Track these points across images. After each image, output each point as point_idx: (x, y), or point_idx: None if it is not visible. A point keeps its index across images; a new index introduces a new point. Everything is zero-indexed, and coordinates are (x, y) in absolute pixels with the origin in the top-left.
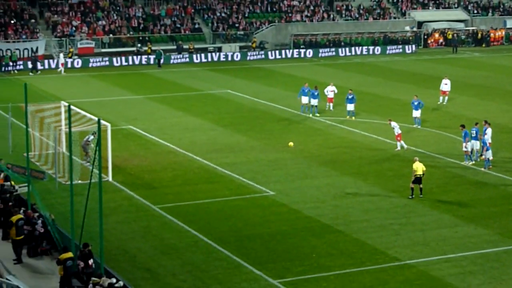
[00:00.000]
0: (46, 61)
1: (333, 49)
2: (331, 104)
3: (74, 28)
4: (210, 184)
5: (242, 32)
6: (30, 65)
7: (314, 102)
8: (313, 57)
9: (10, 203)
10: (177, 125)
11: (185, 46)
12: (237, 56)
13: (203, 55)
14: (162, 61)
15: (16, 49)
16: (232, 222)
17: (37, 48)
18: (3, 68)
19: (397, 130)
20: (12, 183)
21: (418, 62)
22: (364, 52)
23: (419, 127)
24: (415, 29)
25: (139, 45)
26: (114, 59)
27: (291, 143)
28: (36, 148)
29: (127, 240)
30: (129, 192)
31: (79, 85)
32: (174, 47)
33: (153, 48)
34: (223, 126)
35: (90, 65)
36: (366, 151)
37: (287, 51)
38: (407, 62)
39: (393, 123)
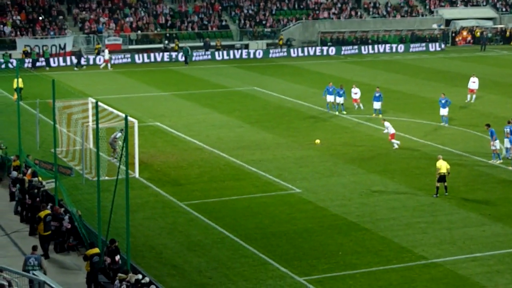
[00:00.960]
0: (72, 58)
1: (360, 47)
2: (358, 104)
3: (102, 25)
4: (236, 181)
5: (269, 29)
6: (74, 60)
7: (340, 100)
8: (340, 54)
9: (38, 199)
10: (204, 122)
11: (212, 43)
12: (264, 53)
13: (230, 52)
14: (189, 58)
15: (44, 45)
16: (259, 219)
17: (65, 45)
18: (30, 64)
19: (391, 130)
20: (40, 179)
21: (445, 60)
22: (391, 50)
23: (446, 125)
24: (442, 26)
25: (166, 41)
26: (142, 56)
27: (317, 141)
28: (64, 144)
29: (154, 237)
30: (156, 188)
31: (106, 82)
32: (201, 44)
33: (180, 45)
34: (249, 123)
35: (118, 61)
36: (393, 149)
37: (314, 48)
38: (435, 60)
39: (386, 123)
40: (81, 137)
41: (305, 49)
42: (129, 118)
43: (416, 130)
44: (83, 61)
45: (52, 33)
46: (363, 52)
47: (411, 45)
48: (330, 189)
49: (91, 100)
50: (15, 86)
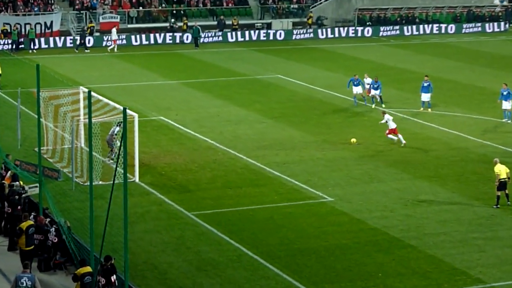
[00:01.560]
0: (61, 39)
1: (405, 27)
2: (370, 97)
3: (96, 0)
4: (256, 188)
5: (296, 6)
6: (78, 41)
7: (376, 92)
8: (380, 36)
9: (19, 207)
10: (217, 116)
11: (228, 22)
12: (290, 35)
13: (249, 32)
14: (200, 39)
15: (27, 23)
16: (282, 233)
17: (51, 23)
18: (10, 46)
19: (391, 124)
20: (21, 183)
21: (508, 43)
22: (443, 31)
23: (509, 121)
24: (505, 3)
25: (172, 20)
26: (143, 37)
27: (353, 140)
28: (50, 142)
29: (157, 253)
30: (160, 195)
31: (101, 68)
32: (215, 22)
33: (189, 23)
34: (272, 118)
35: (144, 42)
36: (444, 150)
37: (350, 28)
38: (496, 42)
39: (387, 116)
40: (71, 133)
41: (339, 29)
42: (128, 111)
43: (472, 127)
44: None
45: (36, 9)
46: (409, 33)
47: (467, 25)
48: (368, 198)
49: (83, 89)
50: None
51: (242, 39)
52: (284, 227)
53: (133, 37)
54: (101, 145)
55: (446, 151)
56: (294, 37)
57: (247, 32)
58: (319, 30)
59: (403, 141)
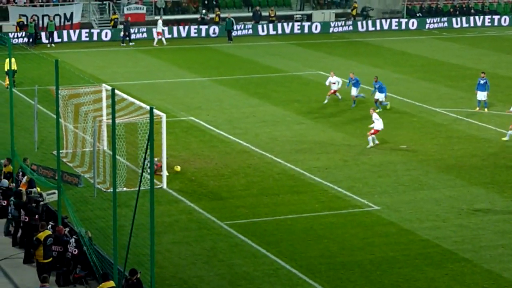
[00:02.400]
0: (82, 31)
1: (459, 18)
2: (335, 96)
3: None
4: (295, 195)
5: None
6: (121, 34)
7: (380, 96)
8: (432, 28)
9: (37, 216)
10: (252, 117)
11: (264, 13)
12: (332, 27)
13: (287, 24)
14: (233, 32)
15: (45, 15)
16: (324, 245)
17: (71, 15)
18: (27, 40)
19: (378, 125)
20: (38, 189)
21: None
22: (501, 22)
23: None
24: None
25: (203, 11)
26: (172, 30)
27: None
28: (70, 145)
29: (186, 266)
30: (189, 203)
31: (125, 63)
32: (250, 14)
33: (222, 15)
34: (312, 119)
35: (140, 36)
36: (502, 154)
37: (398, 20)
38: None
39: (375, 115)
40: (93, 135)
41: (387, 21)
42: (155, 111)
43: None
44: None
45: None
46: (463, 25)
47: None
48: (418, 207)
49: (106, 87)
50: (6, 68)
51: (280, 32)
52: (325, 238)
53: (164, 29)
54: (125, 148)
55: (505, 155)
56: (336, 29)
57: (285, 24)
58: (365, 22)
59: (371, 144)
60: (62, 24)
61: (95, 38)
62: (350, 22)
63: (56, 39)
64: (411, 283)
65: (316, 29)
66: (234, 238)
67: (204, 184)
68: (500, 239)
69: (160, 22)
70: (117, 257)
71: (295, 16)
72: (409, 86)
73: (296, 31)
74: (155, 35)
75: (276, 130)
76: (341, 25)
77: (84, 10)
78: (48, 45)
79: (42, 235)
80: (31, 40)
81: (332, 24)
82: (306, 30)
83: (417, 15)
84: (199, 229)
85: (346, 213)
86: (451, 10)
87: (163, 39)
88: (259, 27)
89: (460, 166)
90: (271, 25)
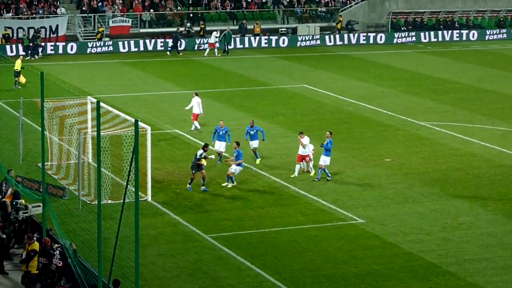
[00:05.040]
0: (67, 44)
1: (444, 32)
2: (196, 123)
3: (105, 2)
4: (279, 208)
5: (324, 9)
6: (170, 44)
7: (254, 144)
8: (417, 42)
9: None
10: (237, 130)
11: (250, 27)
12: (317, 40)
13: (273, 38)
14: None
15: (30, 27)
16: (308, 258)
17: (57, 27)
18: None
19: (306, 150)
20: (23, 201)
21: None
22: (485, 37)
23: None
24: None
25: (188, 24)
26: (156, 42)
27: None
28: (54, 157)
29: (171, 279)
30: (174, 216)
31: (111, 76)
32: (235, 27)
33: (220, 28)
34: (297, 132)
35: (125, 49)
36: (486, 168)
37: (383, 34)
38: None
39: (305, 139)
40: (78, 148)
41: (371, 35)
42: (140, 124)
43: None
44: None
45: (40, 11)
46: (448, 39)
47: None
48: (402, 220)
49: (91, 99)
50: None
51: (266, 45)
52: (309, 251)
53: (145, 42)
54: (110, 160)
55: (488, 168)
56: (321, 43)
57: (270, 38)
58: (350, 36)
59: (296, 174)
60: (47, 36)
61: (81, 50)
62: (345, 35)
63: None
64: None
65: (306, 42)
66: (219, 251)
67: (189, 196)
68: (484, 252)
69: (214, 34)
70: (101, 270)
71: (280, 29)
72: (394, 100)
73: (286, 43)
74: (206, 45)
75: (261, 143)
76: (331, 39)
77: (70, 22)
78: (32, 58)
79: (36, 246)
80: (29, 52)
81: (326, 38)
82: (297, 43)
83: (402, 28)
84: (184, 241)
85: (331, 226)
86: (436, 24)
87: (216, 50)
88: (254, 40)
89: (444, 180)
90: (257, 38)
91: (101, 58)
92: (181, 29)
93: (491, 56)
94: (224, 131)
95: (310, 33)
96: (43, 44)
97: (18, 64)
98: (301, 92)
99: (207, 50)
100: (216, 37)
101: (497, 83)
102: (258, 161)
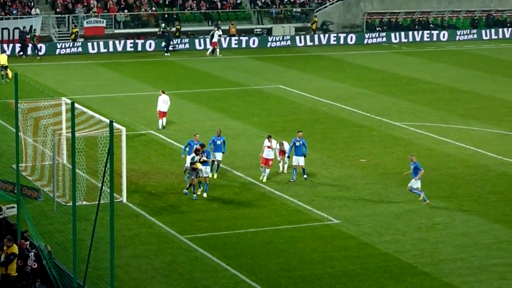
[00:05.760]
0: (41, 45)
1: (418, 33)
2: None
3: (78, 4)
4: (255, 209)
5: (299, 9)
6: (163, 44)
7: (218, 156)
8: (392, 42)
9: None
10: (212, 131)
11: (224, 27)
12: (292, 41)
13: (247, 39)
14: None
15: (4, 28)
16: (284, 258)
17: (31, 28)
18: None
19: (271, 154)
20: None
21: None
22: (460, 37)
23: None
24: None
25: (163, 24)
26: (131, 43)
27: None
28: (29, 159)
29: (146, 280)
30: (149, 217)
31: (85, 77)
32: (210, 27)
33: (208, 28)
34: (272, 132)
35: (100, 50)
36: (461, 168)
37: (358, 34)
38: None
39: (273, 142)
40: (52, 149)
41: (346, 35)
42: (115, 125)
43: (492, 143)
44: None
45: (14, 12)
46: (423, 39)
47: (487, 31)
48: (378, 220)
49: (66, 100)
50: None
51: (240, 46)
52: (285, 252)
53: (120, 43)
54: (85, 161)
55: (463, 169)
56: (296, 43)
57: (245, 38)
58: (325, 36)
59: (265, 178)
60: (22, 36)
61: (56, 52)
62: (320, 35)
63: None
64: None
65: (281, 42)
66: (194, 252)
67: (164, 197)
68: (459, 252)
69: (216, 33)
70: (76, 271)
71: (255, 30)
72: (369, 100)
73: (261, 44)
74: (209, 44)
75: (236, 144)
76: (306, 39)
77: (44, 23)
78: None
79: (15, 249)
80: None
81: (297, 38)
82: (272, 44)
83: (377, 29)
84: (159, 243)
85: (306, 226)
86: (411, 24)
87: (217, 50)
88: (229, 40)
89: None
90: (232, 39)
91: (75, 59)
92: (169, 28)
93: (466, 56)
94: (221, 140)
95: (285, 33)
96: (39, 45)
97: (3, 59)
98: (276, 92)
99: (209, 49)
100: (219, 35)
101: (472, 83)
102: (215, 175)
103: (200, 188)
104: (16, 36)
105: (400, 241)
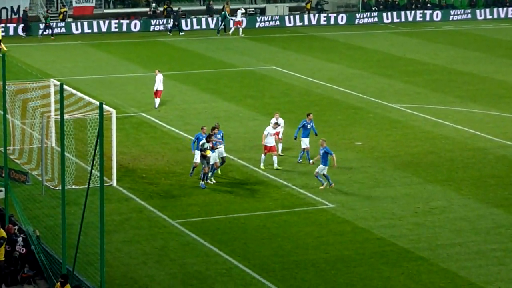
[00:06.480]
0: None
1: (417, 12)
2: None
3: None
4: (248, 192)
5: None
6: (170, 24)
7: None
8: (388, 22)
9: None
10: (204, 113)
11: (217, 7)
12: (286, 21)
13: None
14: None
15: None
16: (277, 243)
17: (18, 7)
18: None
19: (268, 141)
20: None
21: None
22: (458, 17)
23: None
24: None
25: (153, 4)
26: (121, 24)
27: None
28: (17, 142)
29: (137, 266)
30: (140, 201)
31: (74, 58)
32: (203, 7)
33: (216, 7)
34: (266, 115)
35: (89, 30)
36: (459, 151)
37: (354, 14)
38: None
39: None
40: (40, 132)
41: (342, 15)
42: (105, 107)
43: (491, 125)
44: None
45: None
46: (420, 19)
47: (486, 10)
48: (374, 205)
49: (54, 82)
50: None
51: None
52: (279, 237)
53: (105, 23)
54: (74, 144)
55: (461, 152)
56: (290, 23)
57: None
58: (323, 16)
59: (276, 165)
60: (9, 17)
61: (45, 32)
62: (315, 15)
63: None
64: (366, 282)
65: (275, 22)
66: (186, 237)
67: (155, 181)
68: (457, 237)
69: (240, 11)
70: (65, 257)
71: (248, 9)
72: (364, 82)
73: (255, 24)
74: (231, 24)
75: (228, 126)
76: (300, 19)
77: (32, 3)
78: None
79: (2, 234)
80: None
81: (295, 18)
82: (265, 24)
83: (373, 8)
84: (150, 227)
85: (300, 211)
86: (408, 4)
87: (240, 29)
88: (210, 20)
89: (416, 163)
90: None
91: (65, 40)
92: (175, 8)
93: (464, 36)
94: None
95: (278, 13)
96: (53, 24)
97: None
98: (269, 74)
99: (232, 28)
100: (243, 14)
101: (470, 64)
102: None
103: (202, 177)
104: (4, 16)
105: (397, 225)
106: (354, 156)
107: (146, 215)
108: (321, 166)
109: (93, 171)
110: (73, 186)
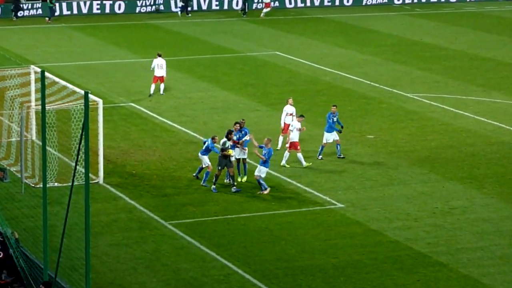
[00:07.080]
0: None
1: None
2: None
3: None
4: (248, 191)
5: None
6: (179, 4)
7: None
8: (403, 3)
9: None
10: (200, 103)
11: None
12: (290, 2)
13: None
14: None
15: None
16: (281, 247)
17: None
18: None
19: (293, 136)
20: None
21: None
22: None
23: None
24: None
25: None
26: (109, 4)
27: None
28: None
29: (126, 271)
30: (129, 200)
31: (57, 42)
32: None
33: None
34: (268, 105)
35: (68, 12)
36: (482, 145)
37: None
38: None
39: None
40: (20, 123)
41: None
42: (91, 96)
43: None
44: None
45: None
46: (439, 0)
47: None
48: (387, 204)
49: (35, 69)
50: None
51: (232, 7)
52: (282, 240)
53: (86, 4)
54: (57, 138)
55: (484, 146)
56: (295, 5)
57: None
58: None
59: (304, 163)
60: None
61: (25, 13)
62: None
63: None
64: None
65: (277, 3)
66: (180, 240)
67: (146, 178)
68: (478, 240)
69: None
70: (47, 261)
71: None
72: (377, 69)
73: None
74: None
75: (227, 118)
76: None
77: None
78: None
79: None
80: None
81: None
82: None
83: None
84: (141, 229)
85: (306, 211)
86: None
87: (265, 10)
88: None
89: (434, 159)
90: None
91: (44, 22)
92: None
93: (487, 19)
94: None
95: None
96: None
97: None
98: (272, 60)
99: (264, 10)
100: None
101: (493, 50)
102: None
103: (232, 182)
104: None
105: (412, 227)
106: (365, 151)
107: (136, 216)
108: (263, 168)
109: (77, 167)
110: (56, 184)
